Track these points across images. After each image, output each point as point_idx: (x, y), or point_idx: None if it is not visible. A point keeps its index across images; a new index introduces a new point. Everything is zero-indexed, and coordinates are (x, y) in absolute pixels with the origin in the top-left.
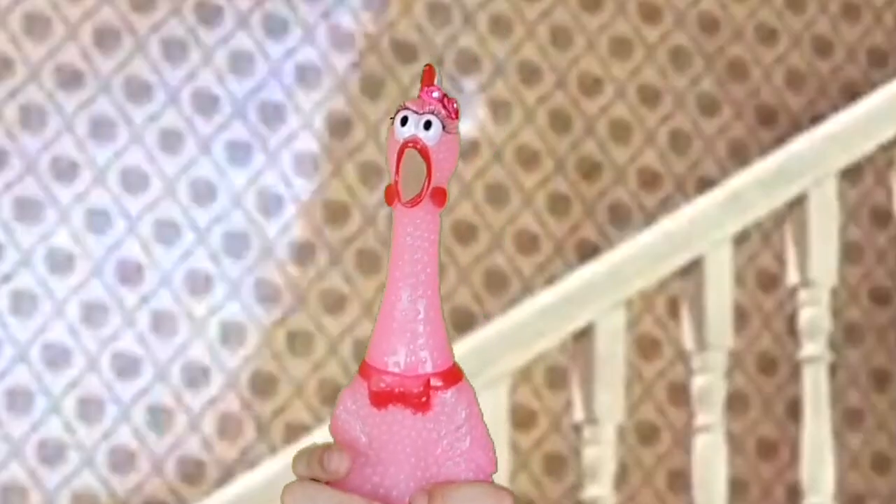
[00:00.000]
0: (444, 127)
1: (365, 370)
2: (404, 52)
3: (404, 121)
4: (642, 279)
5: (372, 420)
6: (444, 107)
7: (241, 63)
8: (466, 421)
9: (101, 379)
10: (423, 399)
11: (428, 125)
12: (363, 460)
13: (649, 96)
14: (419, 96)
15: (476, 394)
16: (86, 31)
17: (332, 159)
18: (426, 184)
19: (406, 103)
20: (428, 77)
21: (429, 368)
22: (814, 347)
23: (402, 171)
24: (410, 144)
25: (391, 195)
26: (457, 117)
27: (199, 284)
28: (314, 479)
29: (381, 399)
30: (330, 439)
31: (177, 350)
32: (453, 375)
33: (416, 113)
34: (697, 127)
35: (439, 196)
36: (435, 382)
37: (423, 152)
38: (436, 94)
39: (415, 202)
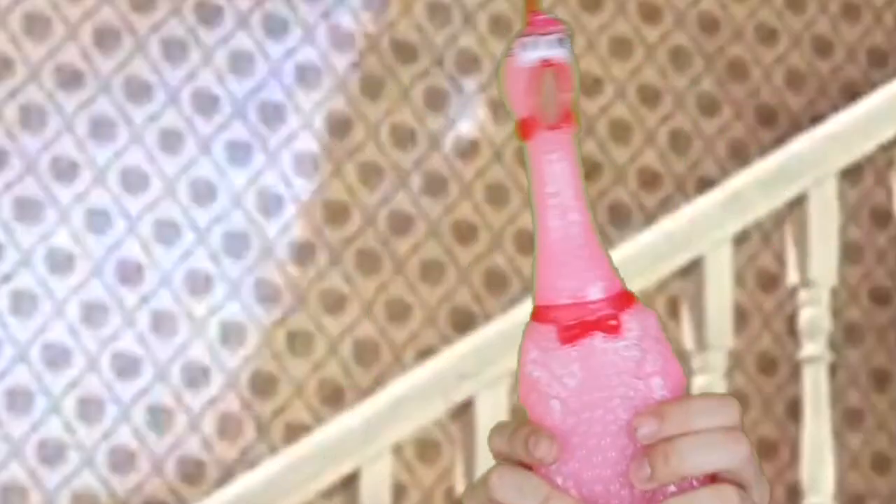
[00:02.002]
0: (568, 44)
1: (542, 313)
2: (404, 52)
3: (527, 45)
4: (642, 279)
5: (563, 362)
6: (560, 27)
7: (241, 63)
8: (656, 339)
9: (101, 379)
10: (612, 322)
11: (560, 43)
12: (571, 407)
13: (649, 96)
14: (530, 25)
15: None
16: (86, 31)
17: (332, 159)
18: (567, 103)
19: (524, 32)
20: (531, 4)
21: (610, 291)
22: (814, 347)
23: (538, 95)
24: (548, 65)
25: (527, 127)
26: (571, 37)
27: (199, 284)
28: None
29: (573, 333)
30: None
31: (177, 350)
32: (629, 295)
33: (542, 35)
34: (697, 127)
35: (573, 117)
36: (620, 304)
37: (563, 70)
38: (546, 17)
39: (562, 122)
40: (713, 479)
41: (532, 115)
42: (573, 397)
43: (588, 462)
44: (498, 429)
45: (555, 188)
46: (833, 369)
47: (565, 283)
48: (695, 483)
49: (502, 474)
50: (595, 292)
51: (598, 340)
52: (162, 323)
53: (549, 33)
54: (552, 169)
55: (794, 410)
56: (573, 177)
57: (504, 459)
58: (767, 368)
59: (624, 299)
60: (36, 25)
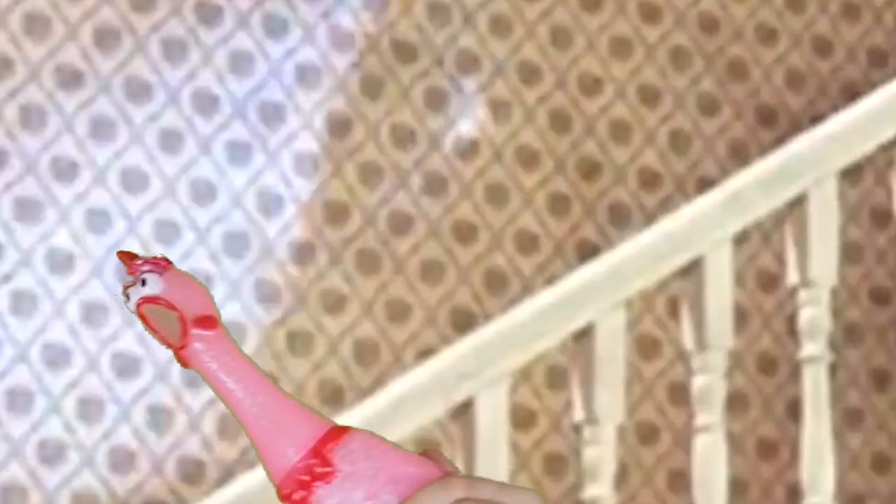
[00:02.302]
0: (160, 274)
1: (280, 492)
2: (404, 52)
3: (127, 296)
4: (642, 279)
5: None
6: (151, 264)
7: (241, 63)
8: (372, 460)
9: (101, 379)
10: (319, 470)
11: (144, 282)
12: None
13: (649, 96)
14: (128, 273)
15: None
16: (86, 31)
17: (332, 159)
18: (181, 322)
19: (125, 284)
20: (126, 259)
21: (307, 445)
22: (814, 347)
23: (159, 329)
24: (144, 302)
25: (178, 354)
26: (168, 264)
27: None
28: None
29: (298, 499)
30: None
31: None
32: (336, 434)
33: (131, 285)
34: (697, 127)
35: (205, 320)
36: (325, 452)
37: (154, 301)
38: (139, 262)
39: (184, 343)
40: None
41: (167, 343)
42: None
43: None
44: None
45: (225, 383)
46: (833, 369)
47: (277, 460)
48: None
49: None
50: (296, 453)
51: (322, 491)
52: None
53: (135, 277)
54: (216, 370)
55: (794, 410)
56: (239, 368)
57: None
58: (767, 368)
59: (330, 438)
60: (36, 25)
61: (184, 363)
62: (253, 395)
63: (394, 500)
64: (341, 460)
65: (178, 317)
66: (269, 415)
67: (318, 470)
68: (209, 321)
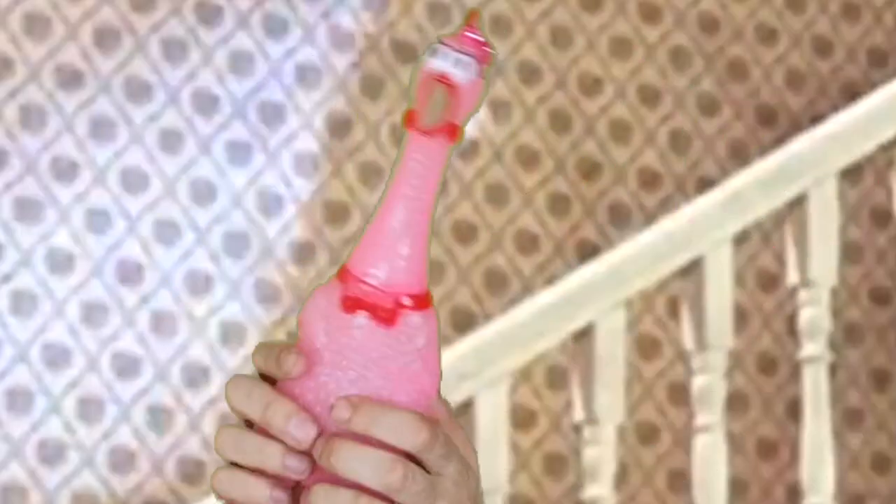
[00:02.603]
0: (474, 69)
1: (343, 274)
2: (404, 52)
3: (437, 53)
4: (642, 279)
5: (336, 322)
6: (480, 50)
7: (241, 63)
8: (425, 346)
9: (101, 379)
10: (390, 315)
11: (460, 63)
12: (317, 358)
13: (649, 96)
14: (459, 34)
15: (440, 325)
16: (86, 31)
17: (332, 159)
18: (446, 119)
19: (444, 38)
20: (472, 19)
21: (403, 288)
22: (814, 347)
23: (425, 100)
24: (441, 79)
25: (409, 119)
26: (489, 63)
27: (199, 284)
28: (263, 375)
29: (350, 304)
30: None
31: (177, 350)
32: (425, 301)
33: (452, 49)
34: (697, 127)
35: (454, 132)
36: (405, 302)
37: (451, 89)
38: (474, 36)
39: (431, 132)
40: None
41: (415, 112)
42: (326, 351)
43: (314, 402)
44: (259, 347)
45: (409, 186)
46: (833, 369)
47: (371, 262)
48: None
49: (236, 383)
50: (388, 282)
51: (367, 321)
52: (162, 323)
53: (460, 52)
54: (409, 168)
55: (794, 410)
56: (426, 182)
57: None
58: (767, 368)
59: (416, 301)
60: (36, 25)
61: (407, 126)
62: (420, 211)
63: (397, 393)
64: (402, 327)
65: (450, 110)
66: (419, 237)
67: (383, 313)
68: (457, 134)
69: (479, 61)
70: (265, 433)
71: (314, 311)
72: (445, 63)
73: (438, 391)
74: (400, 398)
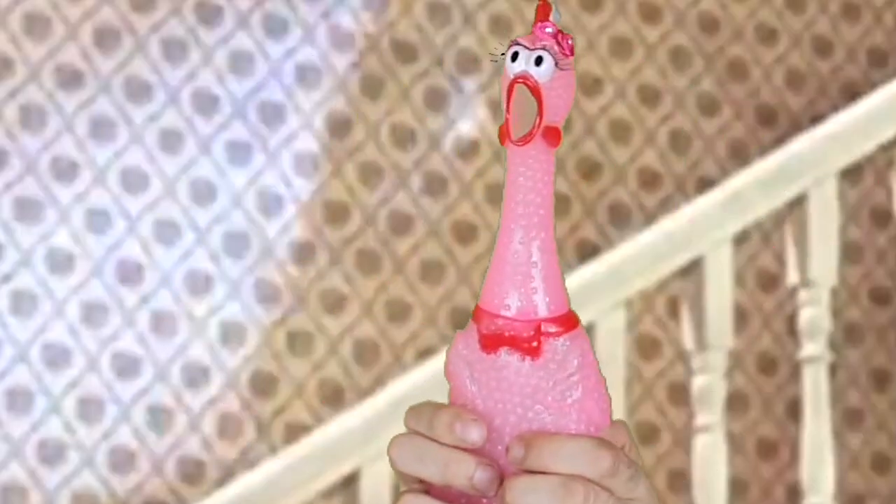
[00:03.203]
0: (556, 63)
1: (477, 314)
2: (404, 52)
3: (515, 56)
4: (642, 279)
5: (481, 365)
6: (558, 42)
7: (241, 63)
8: (579, 370)
9: (101, 379)
10: (534, 344)
11: (539, 61)
12: (471, 409)
13: (649, 96)
14: (532, 31)
15: (591, 344)
16: (86, 31)
17: (332, 159)
18: (537, 122)
19: (518, 38)
20: (542, 12)
21: (542, 313)
22: (814, 347)
23: (512, 109)
24: (520, 80)
25: (503, 134)
26: (572, 54)
27: (199, 284)
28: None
29: (490, 343)
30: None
31: (177, 350)
32: (568, 322)
33: (528, 48)
34: (697, 127)
35: (552, 135)
36: (546, 328)
37: (534, 89)
38: (549, 30)
39: (525, 140)
40: None
41: (507, 123)
42: (479, 399)
43: (485, 453)
44: (417, 411)
45: (522, 204)
46: (833, 369)
47: (502, 294)
48: None
49: (401, 443)
50: (524, 311)
51: (511, 357)
52: (162, 323)
53: (534, 48)
54: (517, 183)
55: (794, 410)
56: (538, 195)
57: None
58: (767, 368)
59: (560, 323)
60: (36, 25)
61: (503, 141)
62: (540, 227)
63: (572, 423)
64: (551, 355)
65: (538, 115)
66: (546, 254)
67: (528, 345)
68: (556, 136)
69: (559, 54)
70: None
71: (457, 360)
72: (521, 64)
73: (610, 414)
74: (569, 429)
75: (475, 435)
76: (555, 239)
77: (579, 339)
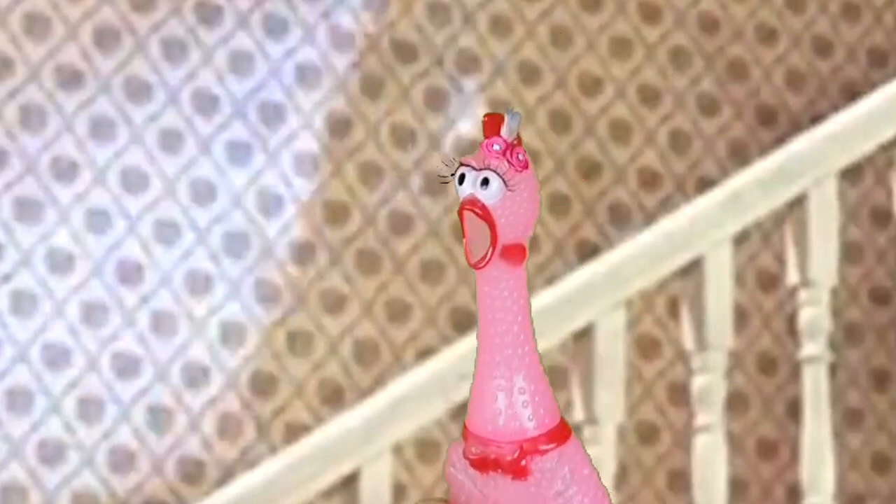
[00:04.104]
0: (506, 183)
1: (466, 433)
2: (404, 52)
3: (462, 178)
4: (642, 279)
5: (479, 481)
6: (508, 160)
7: (241, 63)
8: (570, 485)
9: (101, 379)
10: (522, 464)
11: (485, 182)
12: None
13: (649, 96)
14: (480, 148)
15: (585, 451)
16: (86, 31)
17: (332, 159)
18: (491, 245)
19: (465, 158)
20: (489, 127)
21: (528, 432)
22: (814, 347)
23: (468, 233)
24: (468, 207)
25: (468, 256)
26: (525, 168)
27: (199, 284)
28: None
29: (479, 465)
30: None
31: (177, 350)
32: (556, 436)
33: (474, 168)
34: (697, 127)
35: (514, 252)
36: (531, 447)
37: (483, 214)
38: (497, 147)
39: (481, 264)
40: None
41: (467, 253)
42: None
43: None
44: None
45: (494, 323)
46: (833, 369)
47: (485, 416)
48: None
49: None
50: (507, 432)
51: (506, 479)
52: (162, 323)
53: (480, 169)
54: (486, 304)
55: (794, 410)
56: (509, 313)
57: None
58: (767, 368)
59: (549, 438)
60: (36, 25)
61: (476, 270)
62: (517, 344)
63: None
64: (540, 473)
65: (490, 238)
66: (529, 369)
67: (517, 465)
68: (518, 254)
69: (508, 172)
70: None
71: (453, 470)
72: (470, 187)
73: None
74: None
75: None
76: (536, 351)
77: (568, 453)
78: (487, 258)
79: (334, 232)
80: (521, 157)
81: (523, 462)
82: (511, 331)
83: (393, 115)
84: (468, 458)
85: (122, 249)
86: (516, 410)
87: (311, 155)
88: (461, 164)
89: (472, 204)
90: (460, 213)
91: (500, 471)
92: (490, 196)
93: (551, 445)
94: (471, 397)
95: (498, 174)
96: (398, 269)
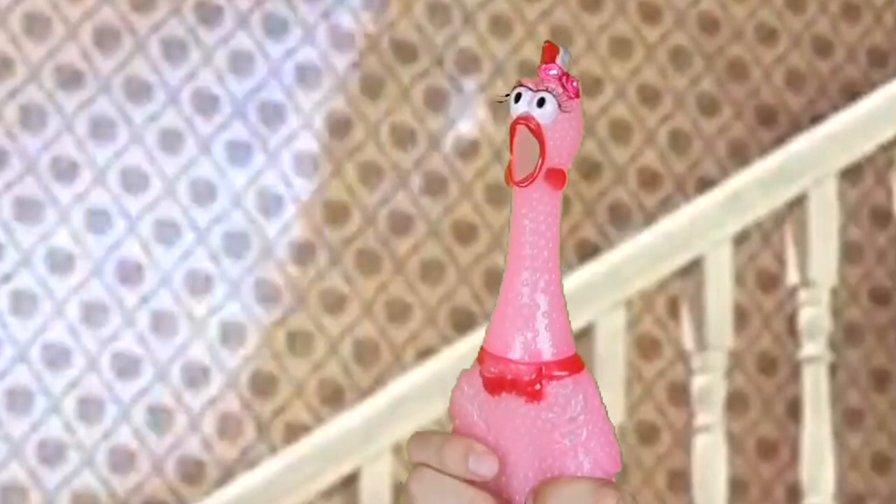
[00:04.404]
0: (560, 105)
1: (481, 355)
2: (404, 52)
3: (518, 98)
4: (642, 279)
5: (488, 406)
6: (563, 85)
7: (241, 63)
8: (582, 413)
9: (101, 379)
10: (536, 387)
11: (541, 102)
12: (482, 442)
13: (649, 96)
14: (538, 73)
15: (597, 385)
16: (86, 31)
17: (332, 159)
18: (539, 164)
19: (523, 80)
20: (548, 54)
21: (545, 356)
22: (814, 347)
23: (516, 151)
24: (522, 122)
25: (507, 177)
26: (577, 96)
27: (199, 284)
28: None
29: (493, 385)
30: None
31: (177, 350)
32: (572, 365)
33: (531, 90)
34: (697, 127)
35: (556, 177)
36: (549, 371)
37: (536, 131)
38: (553, 72)
39: (527, 182)
40: None
41: (512, 164)
42: (490, 436)
43: (490, 489)
44: (422, 440)
45: (527, 245)
46: (833, 369)
47: (506, 337)
48: None
49: (422, 479)
50: (527, 354)
51: (518, 402)
52: (162, 323)
53: (537, 90)
54: (522, 225)
55: (794, 410)
56: (542, 237)
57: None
58: (767, 368)
59: (563, 367)
60: (36, 25)
61: (508, 182)
62: (545, 269)
63: (577, 465)
64: (554, 399)
65: (540, 156)
66: (552, 297)
67: (532, 388)
68: (559, 178)
69: (562, 96)
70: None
71: (463, 400)
72: (526, 105)
73: (618, 460)
74: (574, 471)
75: (487, 468)
76: (561, 281)
77: (583, 383)
78: (535, 175)
79: (334, 232)
80: (574, 84)
81: (538, 386)
82: (542, 255)
83: (393, 115)
84: (484, 376)
85: (122, 249)
86: (538, 334)
87: (311, 155)
88: (519, 84)
89: (527, 120)
90: (512, 129)
91: (514, 392)
92: (545, 115)
93: (567, 373)
94: (492, 320)
95: (554, 96)
96: (398, 269)
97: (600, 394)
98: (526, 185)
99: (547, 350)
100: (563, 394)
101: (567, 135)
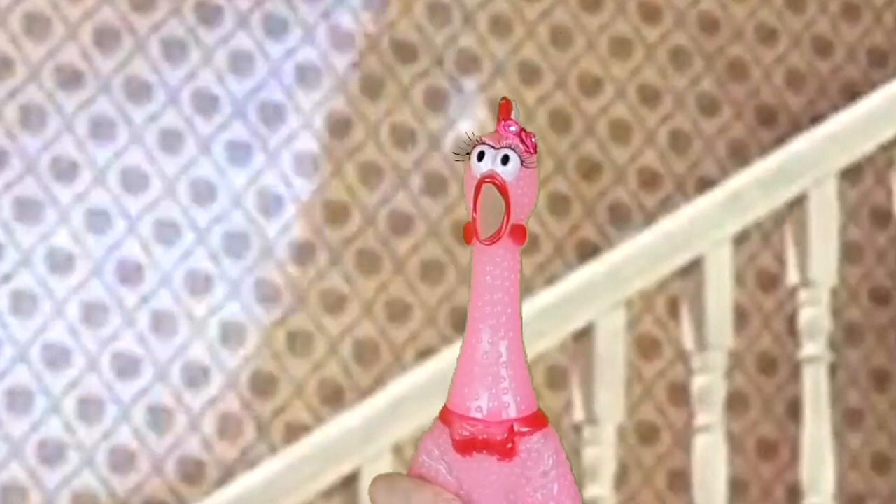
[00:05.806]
0: (522, 161)
1: (446, 416)
2: (404, 52)
3: (481, 156)
4: (642, 279)
5: (458, 465)
6: (522, 141)
7: (241, 63)
8: (554, 467)
9: (101, 379)
10: (509, 446)
11: (506, 160)
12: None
13: (649, 96)
14: (496, 130)
15: (561, 440)
16: (86, 31)
17: (332, 159)
18: (505, 221)
19: (482, 137)
20: (505, 110)
21: (513, 413)
22: (814, 347)
23: (480, 208)
24: (488, 180)
25: (469, 233)
26: (535, 151)
27: (199, 284)
28: None
29: (464, 447)
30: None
31: (177, 350)
32: (538, 420)
33: (493, 147)
34: (697, 127)
35: (519, 233)
36: (519, 428)
37: (502, 188)
38: (513, 128)
39: (493, 240)
40: None
41: (473, 223)
42: (464, 492)
43: None
44: (387, 484)
45: (489, 303)
46: (833, 369)
47: (472, 396)
48: None
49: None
50: (495, 412)
51: (491, 460)
52: (162, 323)
53: (500, 147)
54: (485, 282)
55: (794, 410)
56: (506, 294)
57: None
58: (767, 368)
59: (530, 422)
60: (36, 25)
61: (469, 241)
62: (508, 327)
63: None
64: (524, 455)
65: (505, 213)
66: (514, 354)
67: (504, 446)
68: (521, 234)
69: (523, 152)
70: None
71: (429, 461)
72: (490, 163)
73: None
74: None
75: None
76: (522, 336)
77: (551, 436)
78: (501, 232)
79: (334, 232)
80: (532, 139)
81: (510, 444)
82: (505, 311)
83: (393, 115)
84: (454, 438)
85: (122, 249)
86: (506, 392)
87: (311, 155)
88: (479, 142)
89: (493, 177)
90: (478, 187)
91: (485, 452)
92: (509, 172)
93: (536, 429)
94: (455, 379)
95: (516, 153)
96: (398, 269)
97: (563, 446)
98: (493, 243)
99: (514, 408)
100: (536, 449)
101: (529, 190)
